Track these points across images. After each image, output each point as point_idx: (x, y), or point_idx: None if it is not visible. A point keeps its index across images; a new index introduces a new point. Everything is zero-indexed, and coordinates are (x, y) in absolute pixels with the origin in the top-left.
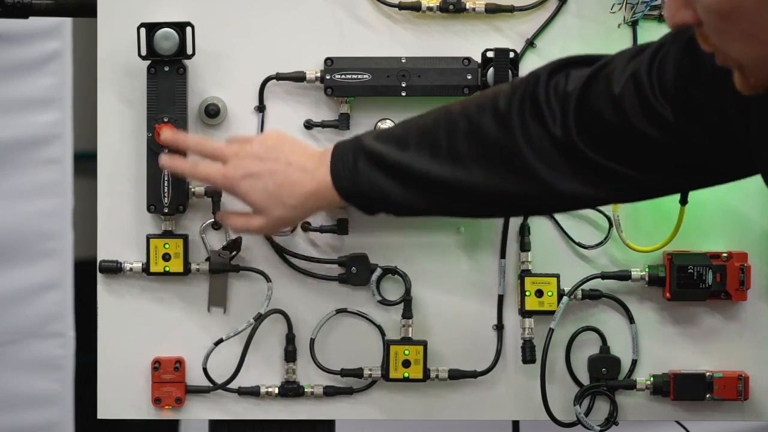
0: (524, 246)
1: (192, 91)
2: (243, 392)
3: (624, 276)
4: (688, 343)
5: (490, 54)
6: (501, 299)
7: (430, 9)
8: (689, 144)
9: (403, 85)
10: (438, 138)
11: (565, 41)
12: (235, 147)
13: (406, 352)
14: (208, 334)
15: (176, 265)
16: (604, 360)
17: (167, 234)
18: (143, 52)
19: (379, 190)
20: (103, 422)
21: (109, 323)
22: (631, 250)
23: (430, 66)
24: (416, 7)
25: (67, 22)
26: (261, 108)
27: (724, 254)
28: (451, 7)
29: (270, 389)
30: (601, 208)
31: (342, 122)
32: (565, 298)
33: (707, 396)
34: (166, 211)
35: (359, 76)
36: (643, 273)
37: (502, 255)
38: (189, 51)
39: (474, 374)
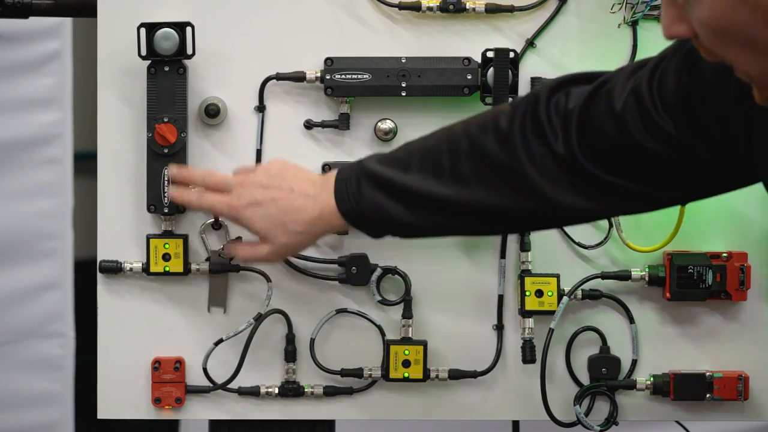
0: (524, 246)
1: (192, 91)
2: (243, 392)
3: (624, 276)
4: (688, 343)
5: (490, 54)
6: (501, 299)
7: (430, 9)
8: (691, 156)
9: (403, 85)
10: (440, 159)
11: (565, 41)
12: (240, 177)
13: (406, 352)
14: (208, 334)
15: (176, 265)
16: (604, 360)
17: (167, 234)
18: (143, 52)
19: (383, 212)
20: (103, 422)
21: (109, 323)
22: (631, 250)
23: (430, 66)
24: (416, 7)
25: (67, 22)
26: (261, 108)
27: (724, 254)
28: (451, 7)
29: (270, 389)
30: None
31: (342, 122)
32: (565, 298)
33: (707, 396)
34: (166, 211)
35: (359, 76)
36: (643, 273)
37: (502, 255)
38: (189, 51)
39: (474, 374)
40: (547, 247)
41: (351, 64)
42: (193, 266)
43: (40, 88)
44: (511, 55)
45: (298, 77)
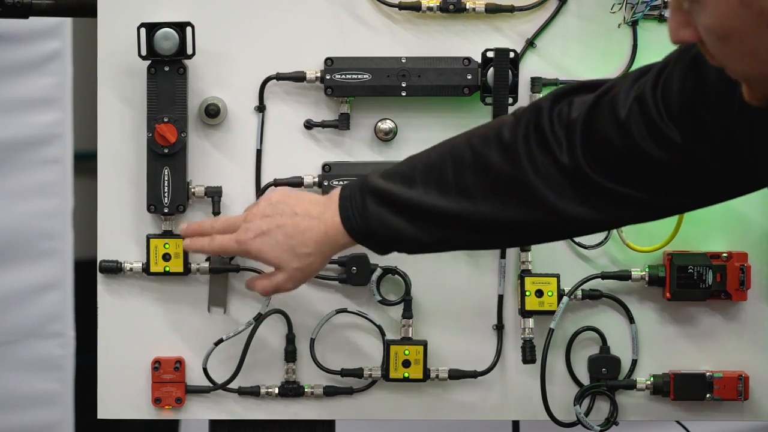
0: (524, 246)
1: (192, 91)
2: (243, 392)
3: (624, 276)
4: (688, 343)
5: (490, 54)
6: (501, 299)
7: (430, 9)
8: (697, 163)
9: (403, 85)
10: (444, 172)
11: (565, 41)
12: (244, 214)
13: (406, 352)
14: (208, 334)
15: (176, 265)
16: (604, 360)
17: (167, 234)
18: (143, 52)
19: (389, 228)
20: (103, 422)
21: (109, 323)
22: (631, 250)
23: (430, 66)
24: (416, 7)
25: (67, 22)
26: (261, 108)
27: (724, 254)
28: (451, 7)
29: (270, 389)
30: None
31: (342, 122)
32: (565, 298)
33: (707, 396)
34: (166, 211)
35: (359, 76)
36: (643, 273)
37: (502, 255)
38: (189, 51)
39: (474, 374)
40: (547, 247)
41: (351, 64)
42: (193, 266)
43: (40, 88)
44: (511, 55)
45: (298, 77)
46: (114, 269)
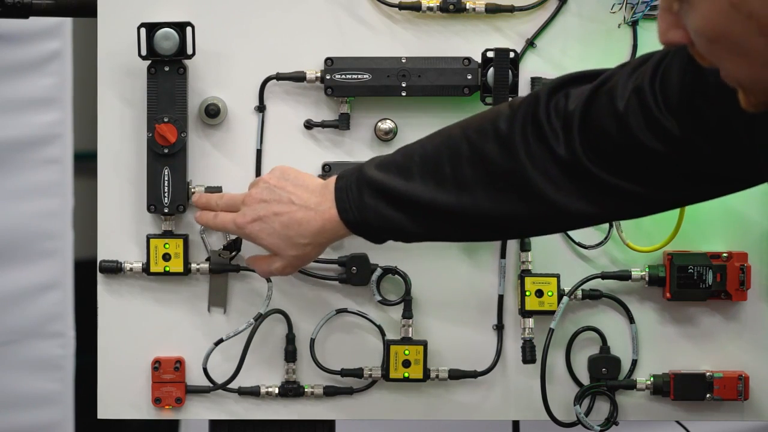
0: (524, 246)
1: (192, 91)
2: (243, 392)
3: (624, 276)
4: (688, 343)
5: (490, 54)
6: (501, 299)
7: (430, 9)
8: (696, 155)
9: (403, 85)
10: (441, 165)
11: (565, 41)
12: (244, 195)
13: (406, 352)
14: (208, 334)
15: (176, 265)
16: (604, 360)
17: (167, 234)
18: (143, 52)
19: (386, 221)
20: (103, 422)
21: (109, 323)
22: (631, 250)
23: (430, 66)
24: (416, 7)
25: (67, 22)
26: (261, 108)
27: (724, 254)
28: (451, 7)
29: (270, 389)
30: None
31: (342, 122)
32: (565, 298)
33: (707, 396)
34: (166, 211)
35: (359, 76)
36: (643, 273)
37: (502, 255)
38: (189, 51)
39: (474, 374)
40: (547, 247)
41: (351, 64)
42: (193, 266)
43: (40, 88)
44: (511, 55)
45: (298, 77)
46: (114, 269)
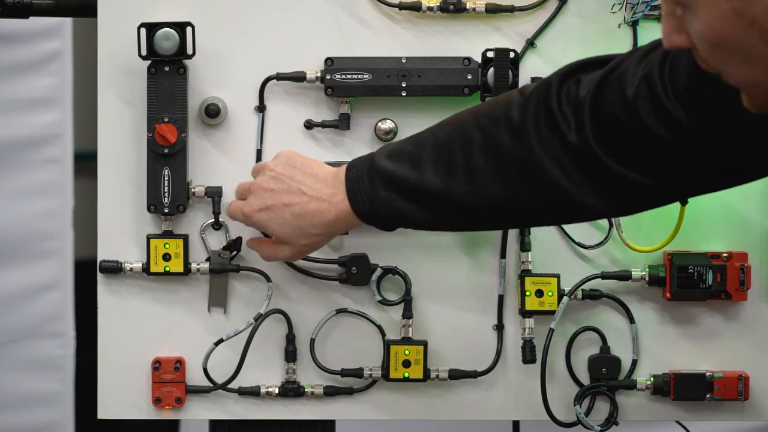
0: (524, 246)
1: (192, 91)
2: (243, 392)
3: (624, 276)
4: (688, 343)
5: (490, 54)
6: (501, 299)
7: (430, 9)
8: (703, 145)
9: (404, 85)
10: (453, 154)
11: (565, 41)
12: (250, 183)
13: (407, 352)
14: (208, 334)
15: (176, 265)
16: (605, 360)
17: (167, 234)
18: (143, 52)
19: (398, 212)
20: (103, 422)
21: (109, 323)
22: (631, 250)
23: (430, 66)
24: (416, 7)
25: (67, 22)
26: (261, 108)
27: (725, 254)
28: (451, 7)
29: (270, 389)
30: None
31: (342, 122)
32: (565, 298)
33: (707, 396)
34: (166, 211)
35: (359, 76)
36: (644, 273)
37: (502, 255)
38: (189, 51)
39: (474, 374)
40: (547, 247)
41: (351, 64)
42: (193, 266)
43: (40, 88)
44: (512, 55)
45: (299, 77)
46: (114, 269)
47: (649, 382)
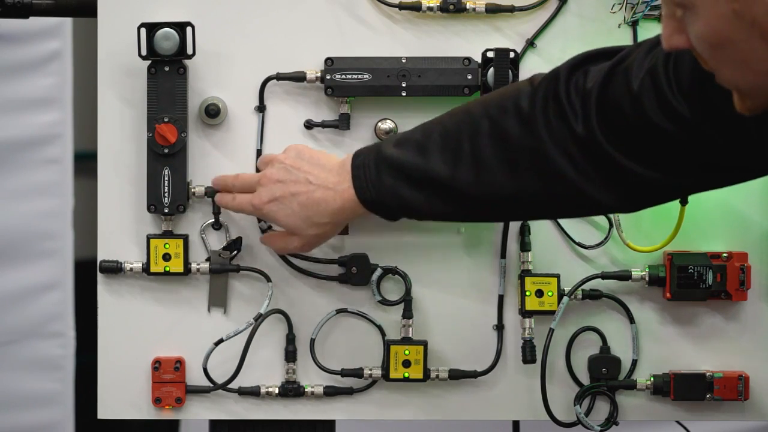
0: (524, 246)
1: (192, 91)
2: (243, 392)
3: (624, 276)
4: (688, 343)
5: (490, 54)
6: (501, 299)
7: (430, 9)
8: (707, 141)
9: (404, 85)
10: (461, 142)
11: (565, 41)
12: (260, 175)
13: (407, 352)
14: (208, 334)
15: (176, 265)
16: (605, 360)
17: (167, 234)
18: (143, 52)
19: (404, 200)
20: (103, 422)
21: (109, 323)
22: (631, 250)
23: (430, 66)
24: (416, 7)
25: (67, 22)
26: (261, 108)
27: (725, 254)
28: (451, 7)
29: (270, 389)
30: None
31: (342, 122)
32: (565, 298)
33: (707, 396)
34: (166, 211)
35: (359, 76)
36: (644, 273)
37: (503, 255)
38: (189, 51)
39: (474, 374)
40: (547, 247)
41: (351, 64)
42: (193, 266)
43: (40, 88)
44: (512, 55)
45: (299, 77)
46: (114, 269)
47: (649, 382)
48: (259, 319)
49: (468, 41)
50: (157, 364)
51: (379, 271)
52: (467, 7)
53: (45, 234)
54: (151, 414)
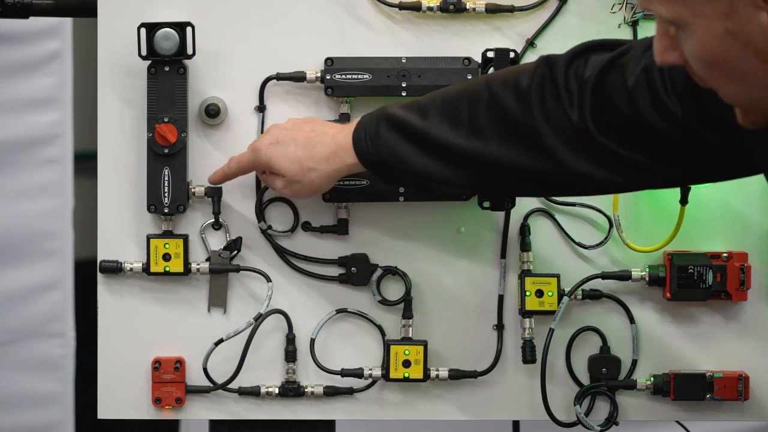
0: (524, 246)
1: (192, 91)
2: (243, 392)
3: (624, 276)
4: (688, 343)
5: (490, 54)
6: (501, 299)
7: (430, 9)
8: (699, 140)
9: (404, 85)
10: (459, 109)
11: (565, 41)
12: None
13: (407, 352)
14: (208, 334)
15: (176, 265)
16: (605, 360)
17: (167, 234)
18: (143, 52)
19: (397, 154)
20: (103, 422)
21: (109, 323)
22: (631, 250)
23: (430, 66)
24: (416, 7)
25: (67, 22)
26: (261, 108)
27: (724, 254)
28: (451, 7)
29: (270, 389)
30: (601, 207)
31: (342, 122)
32: (565, 298)
33: (707, 396)
34: (166, 211)
35: (359, 76)
36: (644, 273)
37: (503, 255)
38: (189, 51)
39: (474, 374)
40: (547, 247)
41: (351, 64)
42: (193, 266)
43: (40, 88)
44: (512, 55)
45: (299, 77)
46: (114, 269)
47: (649, 382)
48: (259, 319)
49: (468, 41)
50: (157, 364)
51: (379, 271)
52: (467, 7)
53: (45, 234)
54: (151, 414)
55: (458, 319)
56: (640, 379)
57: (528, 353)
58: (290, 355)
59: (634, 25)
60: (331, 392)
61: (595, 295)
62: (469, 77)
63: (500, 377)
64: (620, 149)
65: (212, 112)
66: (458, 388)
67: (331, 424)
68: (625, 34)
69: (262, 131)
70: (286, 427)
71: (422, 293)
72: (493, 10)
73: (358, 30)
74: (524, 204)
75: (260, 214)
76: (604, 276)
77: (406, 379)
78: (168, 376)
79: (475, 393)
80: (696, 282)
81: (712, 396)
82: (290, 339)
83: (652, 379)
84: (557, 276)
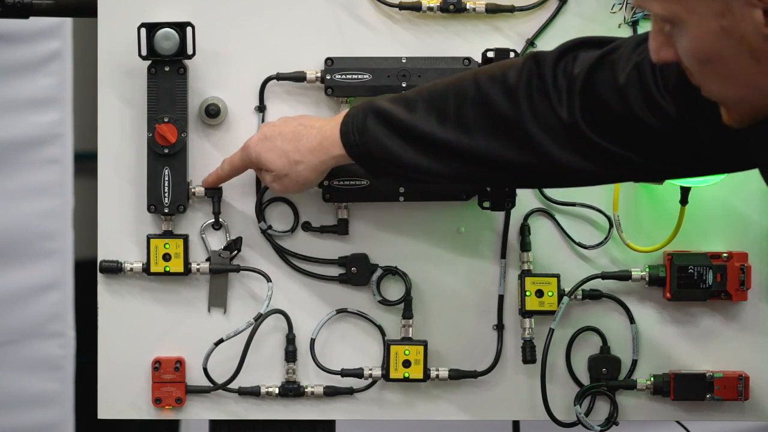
0: (524, 246)
1: (192, 91)
2: (243, 392)
3: (624, 276)
4: (688, 343)
5: (490, 54)
6: (501, 299)
7: (430, 9)
8: (691, 136)
9: (404, 85)
10: (447, 103)
11: (565, 41)
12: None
13: (407, 352)
14: (208, 334)
15: (176, 265)
16: (605, 360)
17: (167, 234)
18: (143, 52)
19: (383, 148)
20: (103, 422)
21: (109, 323)
22: (631, 250)
23: (430, 66)
24: (417, 7)
25: (67, 22)
26: (261, 108)
27: (725, 254)
28: (451, 7)
29: (270, 389)
30: (601, 207)
31: None
32: (565, 298)
33: (707, 396)
34: (166, 211)
35: (359, 76)
36: (644, 273)
37: (503, 255)
38: (189, 51)
39: (474, 374)
40: (547, 247)
41: (351, 64)
42: (193, 266)
43: (40, 88)
44: (511, 55)
45: (299, 77)
46: (114, 269)
47: (649, 382)
48: (259, 319)
49: (468, 41)
50: (157, 364)
51: (379, 271)
52: (467, 7)
53: (45, 234)
54: (151, 414)
55: (458, 319)
56: (640, 379)
57: (528, 353)
58: (290, 355)
59: (634, 25)
60: (331, 392)
61: (595, 295)
62: None
63: (500, 377)
64: (611, 146)
65: (212, 112)
66: (458, 388)
67: (331, 424)
68: (625, 34)
69: None
70: (286, 427)
71: (422, 293)
72: (493, 10)
73: (358, 30)
74: (524, 204)
75: (260, 214)
76: (604, 276)
77: (406, 379)
78: (168, 376)
79: (475, 393)
80: (696, 282)
81: (712, 396)
82: (290, 339)
83: (652, 379)
84: (557, 276)
